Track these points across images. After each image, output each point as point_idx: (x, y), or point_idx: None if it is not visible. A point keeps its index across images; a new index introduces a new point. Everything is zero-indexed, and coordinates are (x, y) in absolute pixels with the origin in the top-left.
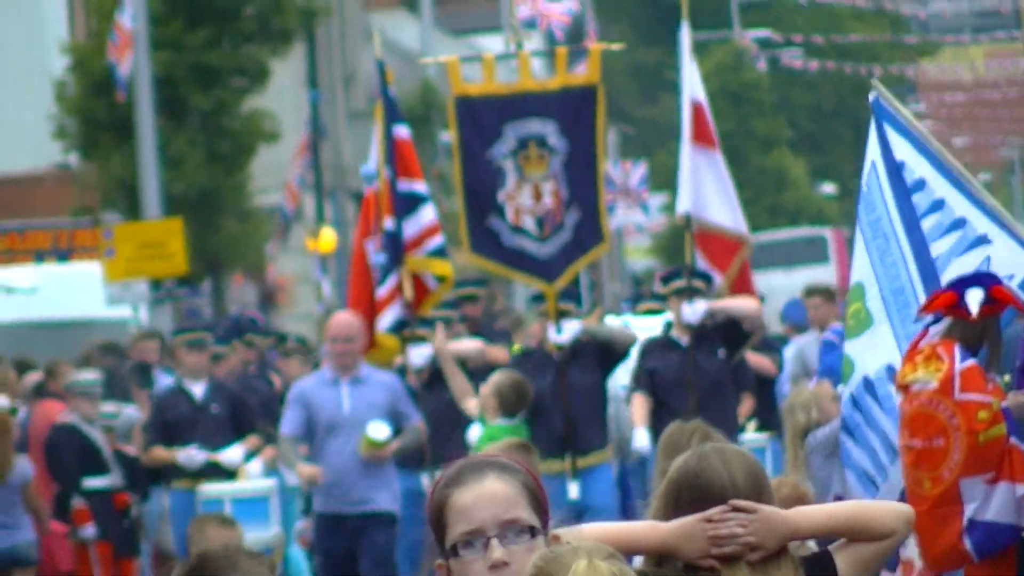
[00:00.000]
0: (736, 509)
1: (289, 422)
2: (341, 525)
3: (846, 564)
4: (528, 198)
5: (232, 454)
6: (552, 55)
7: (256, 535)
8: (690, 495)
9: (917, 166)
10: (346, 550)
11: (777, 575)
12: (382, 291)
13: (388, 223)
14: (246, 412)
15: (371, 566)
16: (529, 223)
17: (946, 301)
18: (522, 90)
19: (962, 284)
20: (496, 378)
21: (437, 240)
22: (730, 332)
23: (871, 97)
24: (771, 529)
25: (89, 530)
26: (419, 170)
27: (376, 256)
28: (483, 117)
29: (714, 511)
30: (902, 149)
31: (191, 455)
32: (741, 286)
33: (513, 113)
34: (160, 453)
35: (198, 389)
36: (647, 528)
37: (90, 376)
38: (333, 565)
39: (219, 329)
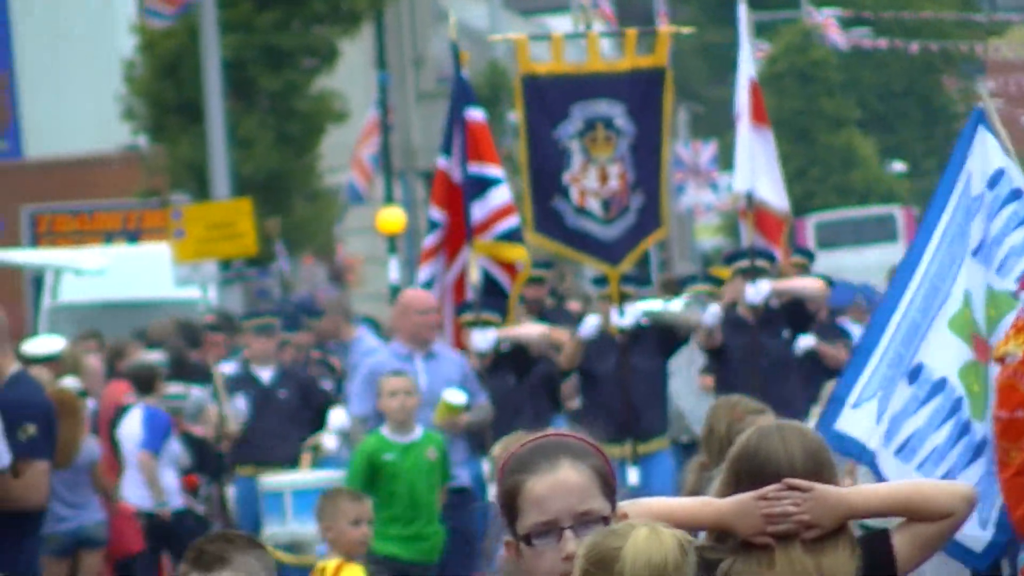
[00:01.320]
0: (791, 488)
1: (361, 401)
2: None
3: (904, 544)
4: (594, 180)
5: (330, 441)
6: (621, 36)
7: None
8: (749, 472)
9: (1015, 175)
10: None
11: (832, 554)
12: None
13: (434, 213)
14: (315, 395)
15: (455, 542)
16: (594, 205)
17: None
18: (590, 71)
19: None
20: None
21: (507, 223)
22: (794, 313)
23: (978, 105)
24: (826, 508)
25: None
26: (493, 154)
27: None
28: (550, 97)
29: (769, 489)
30: (1000, 158)
31: (239, 407)
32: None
33: (581, 94)
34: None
35: (266, 375)
36: (704, 504)
37: (153, 356)
38: None
39: (284, 315)
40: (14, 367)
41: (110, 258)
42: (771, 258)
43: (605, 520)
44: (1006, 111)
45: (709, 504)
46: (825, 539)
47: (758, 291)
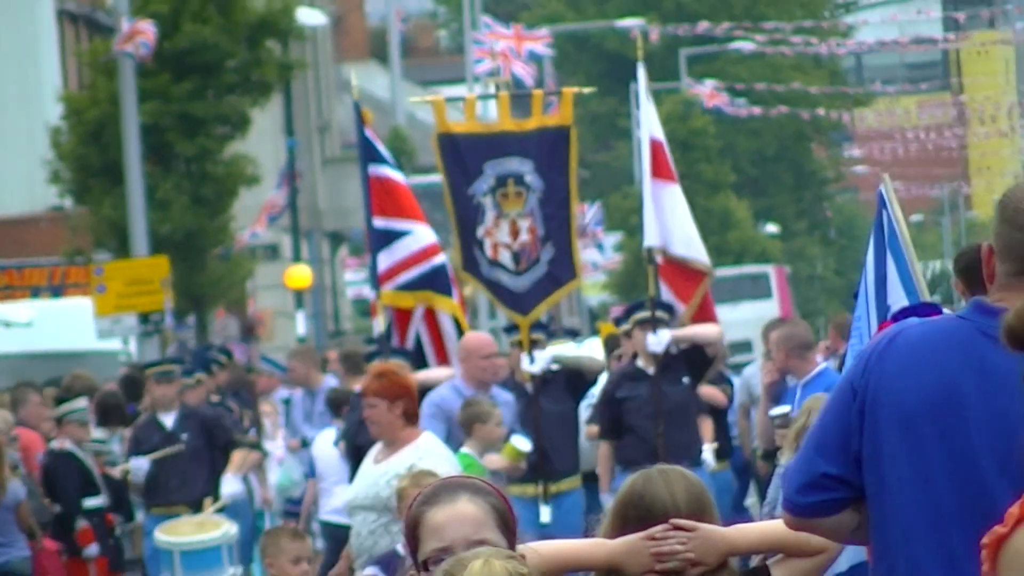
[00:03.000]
0: (676, 528)
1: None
2: None
3: None
4: (506, 234)
5: (229, 487)
6: (527, 98)
7: None
8: (636, 514)
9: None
10: None
11: None
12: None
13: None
14: (219, 432)
15: None
16: (506, 257)
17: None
18: (501, 130)
19: (903, 314)
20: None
21: (410, 273)
22: (694, 358)
23: (879, 189)
24: (710, 546)
25: (93, 548)
26: (398, 207)
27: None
28: (465, 155)
29: (656, 529)
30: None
31: (138, 465)
32: (704, 314)
33: (492, 152)
34: (121, 469)
35: (169, 419)
36: (595, 545)
37: (81, 403)
38: None
39: (187, 362)
40: None
41: (37, 311)
42: (670, 309)
43: None
44: (872, 175)
45: (600, 545)
46: (708, 575)
47: (659, 341)
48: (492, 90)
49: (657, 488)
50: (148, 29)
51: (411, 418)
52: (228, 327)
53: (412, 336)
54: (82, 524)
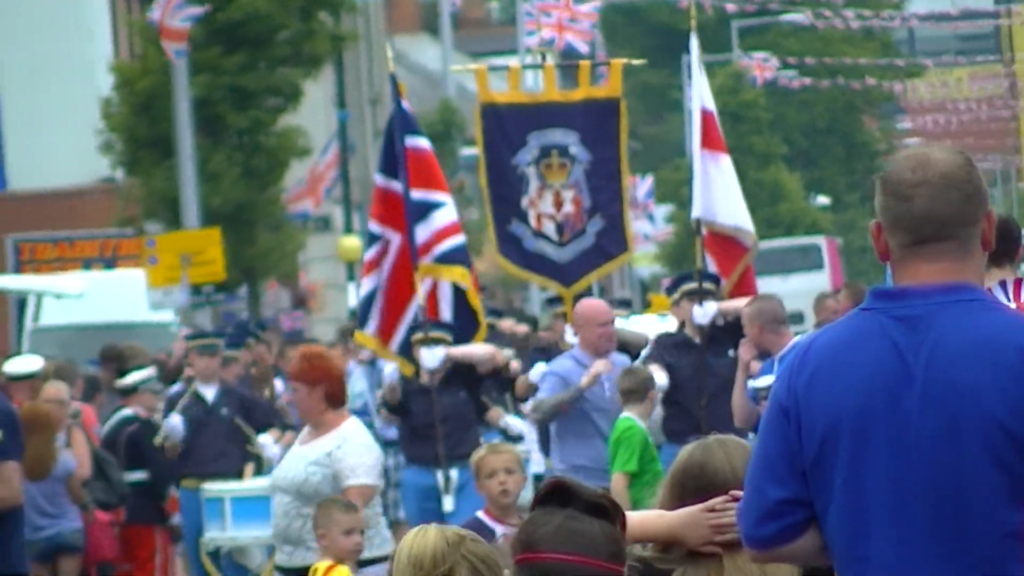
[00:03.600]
0: (736, 499)
1: (548, 391)
2: None
3: None
4: (549, 205)
5: (266, 440)
6: (575, 68)
7: (256, 533)
8: (694, 485)
9: None
10: None
11: (771, 568)
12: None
13: (373, 226)
14: (258, 413)
15: None
16: (550, 228)
17: None
18: (546, 101)
19: None
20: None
21: (448, 243)
22: (740, 331)
23: None
24: None
25: (177, 517)
26: (435, 180)
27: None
28: (508, 125)
29: (716, 501)
30: None
31: (173, 424)
32: (745, 288)
33: (537, 123)
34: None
35: (209, 393)
36: (655, 516)
37: (151, 372)
38: None
39: (227, 335)
40: None
41: (88, 283)
42: (717, 281)
43: None
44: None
45: (660, 516)
46: None
47: (705, 312)
48: (539, 60)
49: (717, 459)
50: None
51: (334, 402)
52: (280, 299)
53: (446, 309)
54: (173, 492)
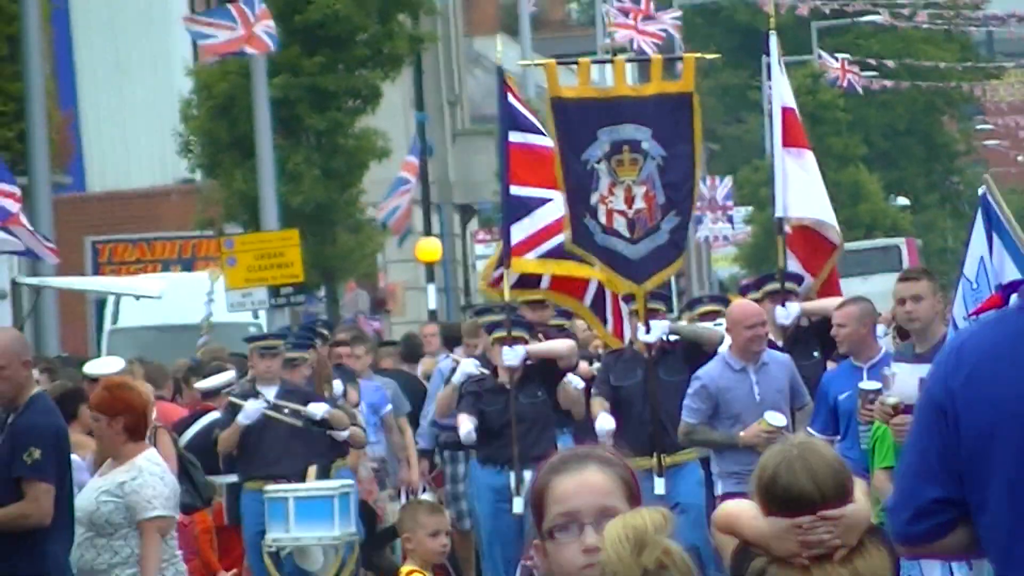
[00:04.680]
0: (824, 519)
1: (697, 413)
2: None
3: None
4: (621, 201)
5: (315, 407)
6: (647, 62)
7: (319, 534)
8: (779, 503)
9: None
10: None
11: (862, 564)
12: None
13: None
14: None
15: None
16: (621, 224)
17: (993, 302)
18: (617, 95)
19: (1009, 288)
20: None
21: (547, 244)
22: (825, 332)
23: (980, 191)
24: (854, 528)
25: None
26: (533, 176)
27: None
28: (577, 121)
29: (804, 520)
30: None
31: (255, 404)
32: (830, 288)
33: (608, 118)
34: (228, 433)
35: (270, 394)
36: (752, 517)
37: (231, 376)
38: None
39: (292, 336)
40: (33, 392)
41: (167, 284)
42: (800, 281)
43: None
44: (1002, 148)
45: (755, 519)
46: (854, 552)
47: (788, 313)
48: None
49: (800, 479)
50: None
51: (134, 434)
52: (359, 300)
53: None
54: (218, 498)
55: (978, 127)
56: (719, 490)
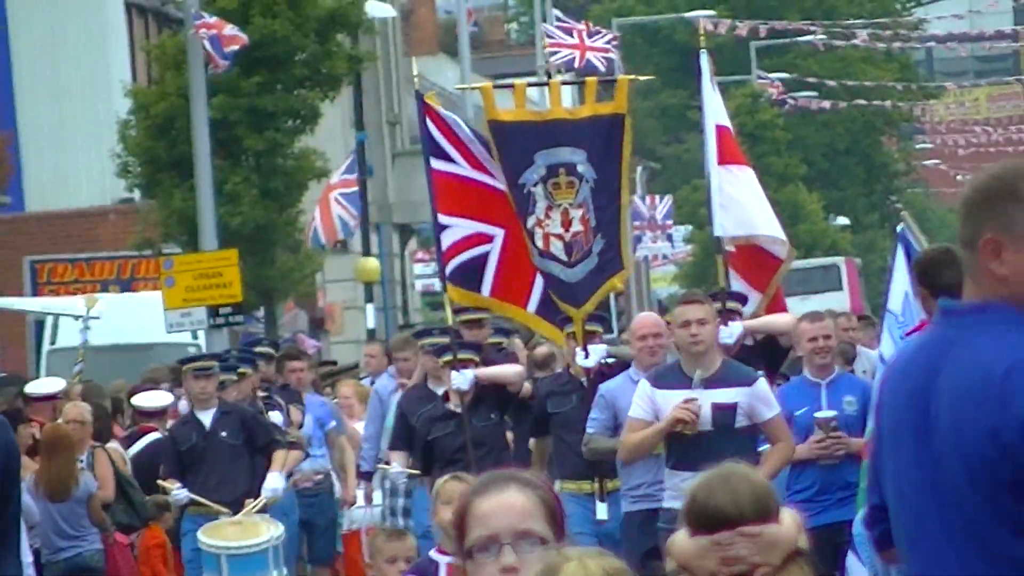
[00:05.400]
0: (742, 535)
1: (596, 423)
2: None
3: None
4: (558, 224)
5: (273, 483)
6: (581, 84)
7: None
8: (700, 521)
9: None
10: None
11: None
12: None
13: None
14: (259, 431)
15: None
16: (558, 248)
17: (923, 327)
18: (552, 118)
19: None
20: None
21: (450, 266)
22: (769, 349)
23: (899, 228)
24: (774, 547)
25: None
26: (456, 205)
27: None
28: (515, 144)
29: (722, 536)
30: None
31: (176, 495)
32: (775, 306)
33: (544, 141)
34: (167, 485)
35: (207, 417)
36: (680, 541)
37: (163, 395)
38: None
39: (230, 357)
40: None
41: (105, 305)
42: (744, 300)
43: (544, 542)
44: (942, 168)
45: (683, 542)
46: (776, 571)
47: (731, 332)
48: (556, 77)
49: (716, 495)
50: (228, 33)
51: None
52: (298, 320)
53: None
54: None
55: (918, 147)
56: (622, 509)
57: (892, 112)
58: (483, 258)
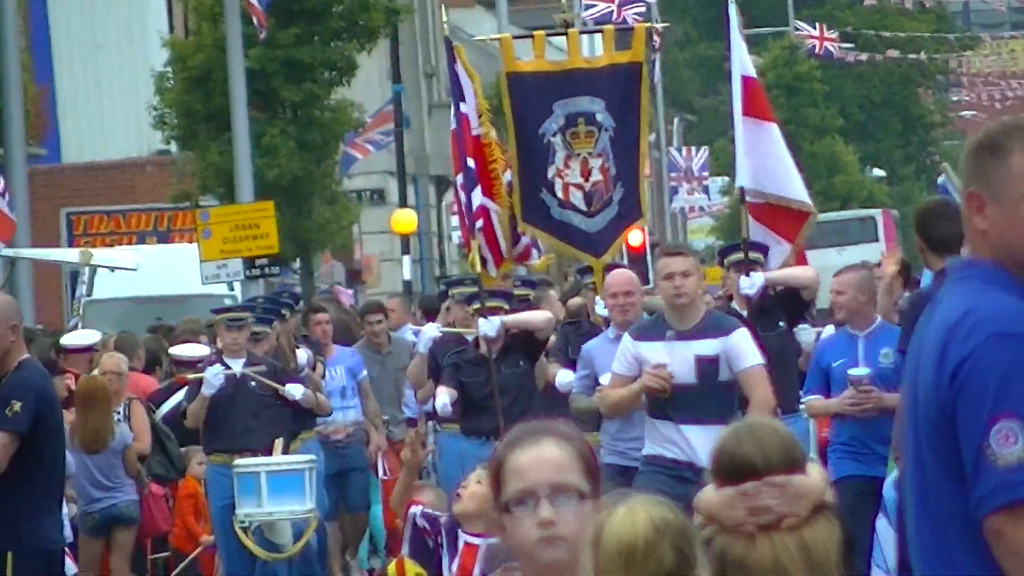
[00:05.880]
0: (769, 485)
1: (579, 383)
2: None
3: None
4: (577, 174)
5: (293, 388)
6: (627, 31)
7: (292, 508)
8: (727, 472)
9: None
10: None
11: (809, 534)
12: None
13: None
14: (287, 379)
15: None
16: (578, 198)
17: None
18: (570, 68)
19: None
20: None
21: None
22: (790, 302)
23: (940, 180)
24: (801, 498)
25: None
26: (474, 151)
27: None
28: (534, 94)
29: (748, 486)
30: None
31: (216, 372)
32: (797, 258)
33: (563, 91)
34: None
35: (236, 367)
36: (708, 494)
37: (201, 347)
38: None
39: (259, 309)
40: (23, 356)
41: (142, 256)
42: (764, 251)
43: (582, 496)
44: (978, 120)
45: (710, 494)
46: (802, 523)
47: (752, 283)
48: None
49: (743, 445)
50: None
51: None
52: (334, 272)
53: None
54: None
55: (954, 99)
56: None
57: (928, 64)
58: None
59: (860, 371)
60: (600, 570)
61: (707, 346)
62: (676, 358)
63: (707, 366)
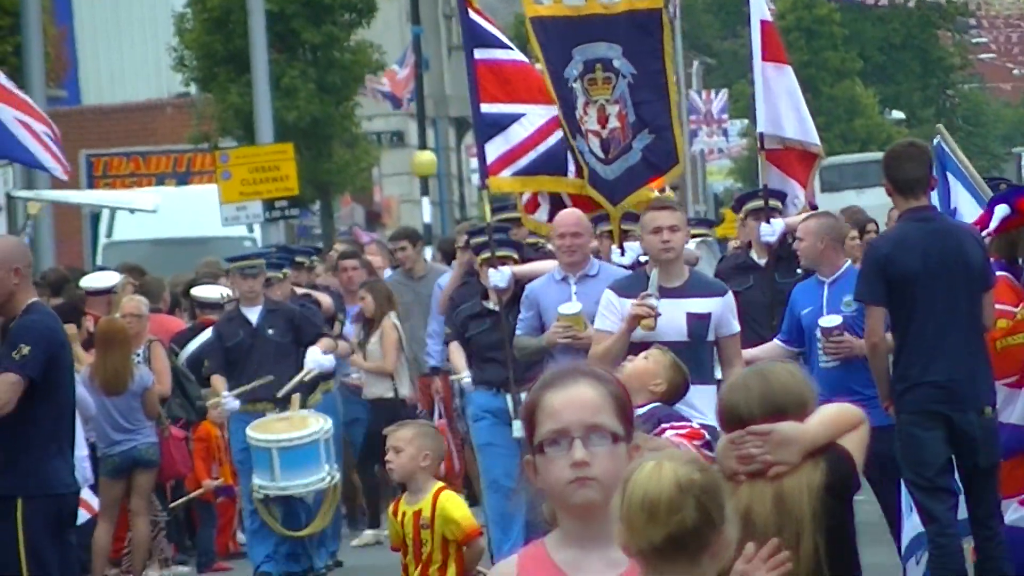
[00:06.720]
0: (752, 434)
1: (522, 323)
2: None
3: (854, 452)
4: (594, 121)
5: (317, 357)
6: None
7: (305, 481)
8: (722, 420)
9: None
10: None
11: (789, 482)
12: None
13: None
14: (307, 328)
15: None
16: (595, 145)
17: (982, 220)
18: (588, 13)
19: (993, 202)
20: None
21: (524, 160)
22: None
23: (935, 142)
24: (787, 445)
25: None
26: (508, 91)
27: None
28: (555, 39)
29: (735, 434)
30: (958, 195)
31: (226, 403)
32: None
33: (580, 36)
34: (217, 384)
35: (253, 315)
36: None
37: (221, 289)
38: None
39: (272, 255)
40: (31, 299)
41: (162, 198)
42: (783, 198)
43: (616, 438)
44: (998, 62)
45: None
46: (787, 471)
47: (772, 230)
48: None
49: (733, 395)
50: None
51: None
52: (354, 214)
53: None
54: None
55: (973, 41)
56: None
57: (948, 6)
58: (563, 142)
59: (831, 321)
60: (624, 520)
61: (700, 304)
62: (666, 314)
63: (697, 323)
